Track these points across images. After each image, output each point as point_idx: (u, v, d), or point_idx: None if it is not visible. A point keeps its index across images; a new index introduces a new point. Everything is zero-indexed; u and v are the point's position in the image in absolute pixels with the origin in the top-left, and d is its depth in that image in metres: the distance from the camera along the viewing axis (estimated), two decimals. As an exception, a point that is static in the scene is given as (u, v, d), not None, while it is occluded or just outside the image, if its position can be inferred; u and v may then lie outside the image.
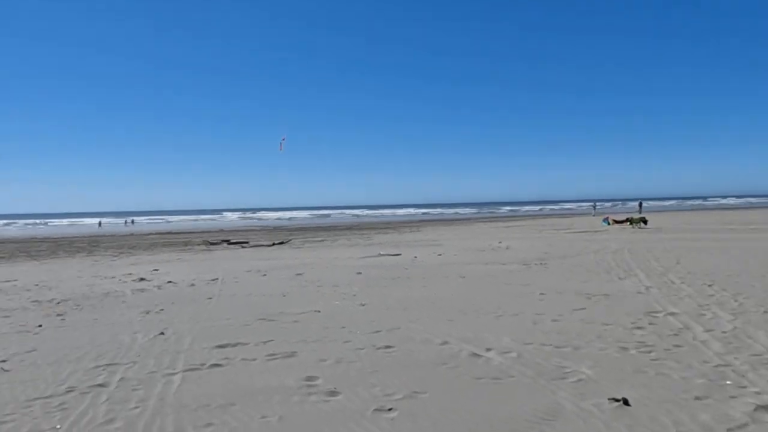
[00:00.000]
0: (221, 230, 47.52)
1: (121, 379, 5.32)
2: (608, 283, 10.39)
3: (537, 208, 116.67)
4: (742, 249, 15.75)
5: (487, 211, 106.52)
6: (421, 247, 20.84)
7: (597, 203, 68.24)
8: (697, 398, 4.41)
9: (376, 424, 4.10)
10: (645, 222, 28.13)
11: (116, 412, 4.44)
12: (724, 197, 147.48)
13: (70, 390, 5.02)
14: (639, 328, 6.75)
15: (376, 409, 4.36)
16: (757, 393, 4.47)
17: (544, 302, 8.66)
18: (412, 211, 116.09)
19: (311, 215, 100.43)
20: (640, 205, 59.64)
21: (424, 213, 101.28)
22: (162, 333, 7.23)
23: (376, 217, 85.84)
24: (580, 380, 4.90)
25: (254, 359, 5.91)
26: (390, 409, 4.36)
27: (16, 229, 67.64)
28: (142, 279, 13.14)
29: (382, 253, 18.79)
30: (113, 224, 73.90)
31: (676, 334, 6.37)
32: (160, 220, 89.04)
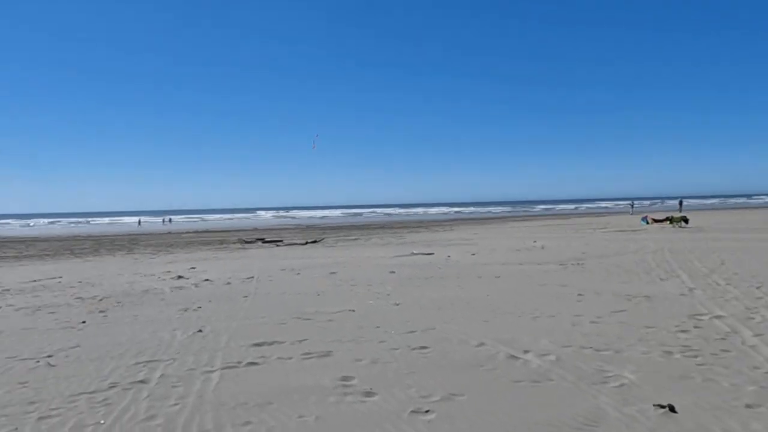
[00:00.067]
0: (255, 229, 48.21)
1: (162, 375, 5.42)
2: (649, 284, 10.10)
3: (572, 206, 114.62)
4: (791, 249, 15.09)
5: (520, 209, 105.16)
6: (454, 247, 20.69)
7: (635, 202, 66.53)
8: (748, 406, 4.22)
9: (413, 426, 4.06)
10: (686, 221, 27.28)
11: (157, 409, 4.52)
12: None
13: (112, 386, 5.14)
14: (683, 331, 6.52)
15: (412, 411, 4.32)
16: (814, 402, 4.25)
17: (582, 303, 8.47)
18: (444, 209, 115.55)
19: (343, 214, 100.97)
20: (680, 203, 57.92)
21: (456, 212, 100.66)
22: (200, 330, 7.35)
23: (408, 215, 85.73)
24: (622, 385, 4.75)
25: (290, 358, 5.94)
26: (427, 411, 4.31)
27: (60, 227, 70.06)
28: (180, 277, 13.41)
29: (414, 252, 18.72)
30: (151, 223, 75.76)
31: (723, 339, 6.13)
32: (197, 219, 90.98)
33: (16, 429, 4.18)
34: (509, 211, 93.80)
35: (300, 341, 6.63)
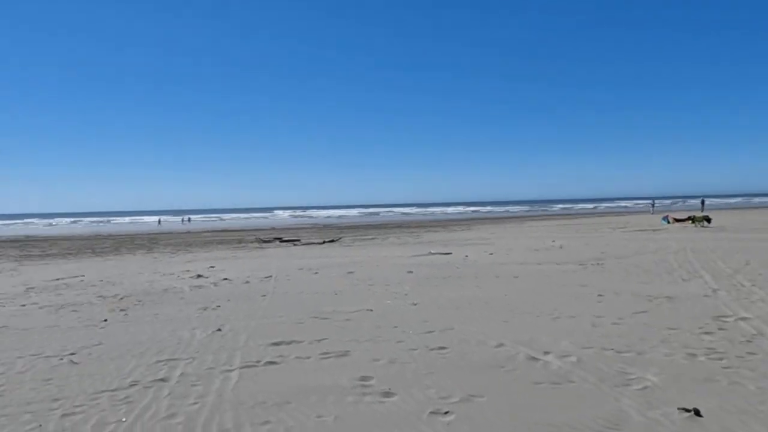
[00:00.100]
0: (273, 228, 48.51)
1: (181, 374, 5.46)
2: (671, 284, 9.93)
3: (591, 205, 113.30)
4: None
5: (538, 209, 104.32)
6: (472, 246, 20.58)
7: (655, 201, 65.55)
8: (776, 410, 4.12)
9: (432, 428, 4.04)
10: (708, 220, 26.82)
11: (177, 407, 4.56)
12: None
13: (133, 384, 5.19)
14: (707, 333, 6.39)
15: (432, 412, 4.29)
16: None
17: (603, 304, 8.35)
18: (461, 209, 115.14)
19: (360, 213, 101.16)
20: (703, 202, 56.97)
21: (473, 211, 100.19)
22: (219, 329, 7.40)
23: (425, 215, 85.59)
24: (645, 387, 4.67)
25: (308, 357, 5.95)
26: (446, 413, 4.28)
27: (82, 226, 71.22)
28: (199, 276, 13.53)
29: (432, 251, 18.66)
30: (171, 222, 76.67)
31: (749, 341, 5.99)
32: (215, 218, 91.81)
33: (41, 426, 4.25)
34: (527, 211, 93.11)
35: (318, 341, 6.64)
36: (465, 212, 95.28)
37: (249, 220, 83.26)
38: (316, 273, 13.50)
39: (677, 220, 29.63)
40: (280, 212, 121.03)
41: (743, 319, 7.00)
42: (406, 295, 9.82)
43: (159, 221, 77.76)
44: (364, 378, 5.17)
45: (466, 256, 16.58)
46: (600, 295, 9.05)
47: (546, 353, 5.76)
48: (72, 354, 6.34)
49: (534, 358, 5.60)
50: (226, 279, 12.74)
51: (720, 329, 6.54)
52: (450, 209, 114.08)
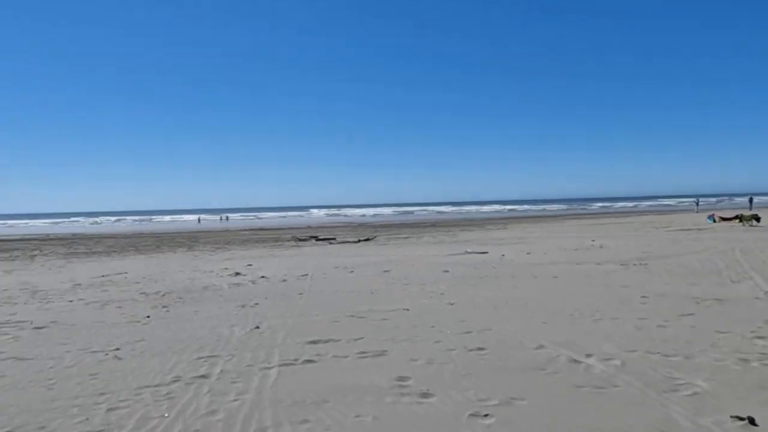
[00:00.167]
0: (309, 227, 48.97)
1: (221, 371, 5.53)
2: (719, 286, 9.55)
3: (631, 204, 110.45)
4: None
5: (577, 207, 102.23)
6: (509, 245, 20.30)
7: (700, 199, 63.34)
8: (838, 421, 3.89)
9: (472, 430, 3.97)
10: (757, 219, 25.74)
11: (218, 404, 4.61)
12: None
13: (175, 380, 5.29)
14: (760, 337, 6.11)
15: (471, 414, 4.22)
16: None
17: (647, 306, 8.09)
18: (497, 207, 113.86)
19: (395, 212, 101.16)
20: (751, 200, 54.67)
21: (510, 210, 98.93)
22: (257, 327, 7.48)
23: (459, 213, 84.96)
24: (695, 394, 4.48)
25: (346, 356, 5.95)
26: (486, 415, 4.20)
27: (125, 225, 73.50)
28: (237, 273, 13.75)
29: (468, 251, 18.49)
30: (210, 221, 78.32)
31: (806, 346, 5.70)
32: (252, 217, 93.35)
33: (87, 419, 4.37)
34: (565, 209, 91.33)
35: (355, 340, 6.63)
36: (501, 211, 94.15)
37: (285, 218, 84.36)
38: (351, 271, 13.54)
39: (724, 219, 28.59)
40: (315, 211, 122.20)
41: (799, 323, 6.67)
42: (442, 294, 9.74)
43: (199, 220, 79.57)
44: (401, 378, 5.13)
45: (503, 255, 16.36)
46: (643, 297, 8.78)
47: (588, 356, 5.61)
48: (117, 349, 6.51)
49: (576, 361, 5.46)
50: (263, 277, 12.90)
51: (774, 333, 6.24)
52: (485, 208, 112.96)
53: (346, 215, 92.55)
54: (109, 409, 4.55)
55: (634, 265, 12.87)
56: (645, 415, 4.10)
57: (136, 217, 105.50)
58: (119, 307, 9.52)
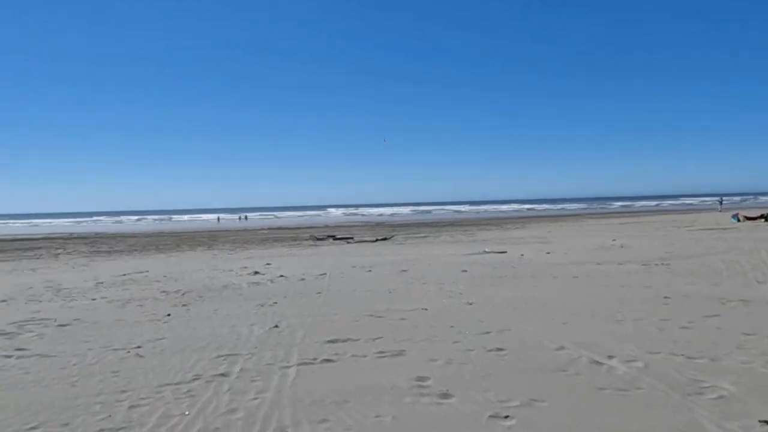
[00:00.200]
0: (326, 226, 49.14)
1: (241, 369, 5.57)
2: (745, 287, 9.35)
3: (653, 203, 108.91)
4: None
5: (597, 206, 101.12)
6: (528, 245, 20.13)
7: (723, 198, 62.17)
8: None
9: (492, 432, 3.93)
10: (784, 219, 25.19)
11: (237, 402, 4.64)
12: None
13: (195, 378, 5.33)
14: (788, 340, 5.96)
15: (491, 416, 4.18)
16: None
17: (670, 306, 7.95)
18: (515, 206, 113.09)
19: (412, 211, 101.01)
20: (776, 199, 53.48)
21: (528, 209, 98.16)
22: (276, 326, 7.52)
23: (477, 212, 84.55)
24: (721, 397, 4.38)
25: (364, 356, 5.94)
26: (506, 417, 4.16)
27: (146, 224, 74.50)
28: (256, 272, 13.84)
29: (486, 250, 18.38)
30: (229, 220, 79.08)
31: (836, 349, 5.55)
32: (270, 216, 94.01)
33: (110, 416, 4.42)
34: (585, 208, 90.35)
35: (373, 339, 6.62)
36: (520, 210, 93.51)
37: (303, 217, 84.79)
38: (369, 271, 13.54)
39: (748, 219, 28.02)
40: (333, 210, 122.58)
41: (829, 325, 6.49)
42: (460, 294, 9.69)
43: (218, 219, 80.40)
44: (420, 378, 5.11)
45: (522, 254, 16.23)
46: (666, 297, 8.63)
47: (610, 357, 5.53)
48: (138, 347, 6.59)
49: (597, 363, 5.38)
50: (282, 276, 12.97)
51: (803, 336, 6.09)
52: (504, 207, 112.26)
53: (363, 214, 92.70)
54: (131, 407, 4.61)
55: (656, 265, 12.67)
56: (669, 418, 4.02)
57: (157, 217, 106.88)
58: (140, 305, 9.64)
